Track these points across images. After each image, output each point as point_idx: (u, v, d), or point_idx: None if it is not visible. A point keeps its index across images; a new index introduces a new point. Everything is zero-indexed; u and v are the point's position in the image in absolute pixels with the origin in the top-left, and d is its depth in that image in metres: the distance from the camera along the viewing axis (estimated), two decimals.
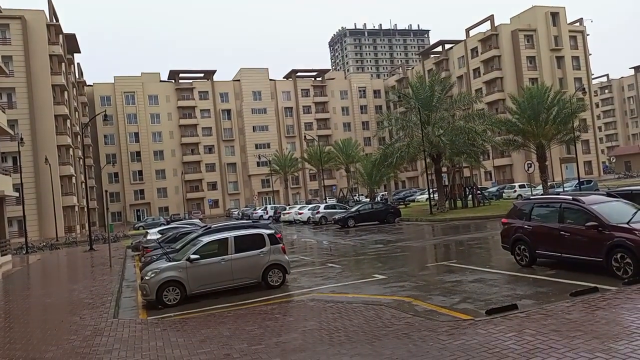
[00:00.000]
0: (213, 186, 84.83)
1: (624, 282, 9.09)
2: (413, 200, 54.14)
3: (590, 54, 76.76)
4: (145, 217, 70.99)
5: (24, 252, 32.24)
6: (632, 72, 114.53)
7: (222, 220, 53.96)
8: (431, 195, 36.36)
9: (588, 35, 76.77)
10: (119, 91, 79.65)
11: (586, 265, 10.54)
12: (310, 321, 8.59)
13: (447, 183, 37.46)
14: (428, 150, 33.91)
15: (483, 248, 17.65)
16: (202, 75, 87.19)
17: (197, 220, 32.17)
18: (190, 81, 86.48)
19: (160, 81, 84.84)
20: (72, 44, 61.87)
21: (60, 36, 55.89)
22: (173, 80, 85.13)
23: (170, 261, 12.42)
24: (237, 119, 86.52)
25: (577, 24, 76.72)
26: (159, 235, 21.61)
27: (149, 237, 22.63)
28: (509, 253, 12.74)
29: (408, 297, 10.10)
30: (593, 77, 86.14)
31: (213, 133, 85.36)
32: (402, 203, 48.94)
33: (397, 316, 8.33)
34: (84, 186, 56.34)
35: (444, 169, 37.55)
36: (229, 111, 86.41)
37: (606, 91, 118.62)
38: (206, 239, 12.98)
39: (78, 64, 70.97)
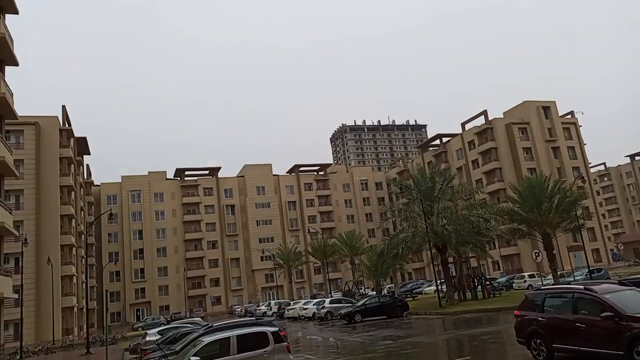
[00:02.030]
0: (216, 282, 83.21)
1: None
2: (421, 292, 52.64)
3: (585, 144, 78.92)
4: (145, 317, 68.70)
5: (18, 357, 30.84)
6: (628, 160, 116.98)
7: (225, 317, 52.14)
8: (439, 287, 35.45)
9: (580, 126, 79.53)
10: (126, 190, 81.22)
11: (606, 358, 9.98)
12: None
13: (454, 274, 36.69)
14: (433, 240, 33.69)
15: (498, 343, 16.83)
16: (207, 172, 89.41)
17: (199, 319, 31.09)
18: (196, 178, 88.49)
19: (167, 179, 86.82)
20: (82, 146, 64.28)
21: (72, 139, 58.20)
22: (179, 178, 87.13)
23: None
24: (241, 214, 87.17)
25: (569, 116, 79.84)
26: (159, 336, 20.84)
27: (147, 339, 21.80)
28: (525, 347, 12.14)
29: None
30: (590, 165, 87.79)
31: (217, 228, 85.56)
32: (409, 295, 47.58)
33: None
34: (84, 286, 55.35)
35: (451, 259, 37.00)
36: (232, 206, 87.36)
37: (605, 179, 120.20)
38: (207, 339, 12.47)
39: (87, 165, 73.21)
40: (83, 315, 54.11)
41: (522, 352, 12.53)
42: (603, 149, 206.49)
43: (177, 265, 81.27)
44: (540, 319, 11.67)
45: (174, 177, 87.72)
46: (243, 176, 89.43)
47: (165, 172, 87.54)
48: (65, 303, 49.59)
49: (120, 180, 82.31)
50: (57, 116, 54.65)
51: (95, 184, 79.83)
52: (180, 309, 74.84)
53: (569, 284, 15.46)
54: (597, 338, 10.08)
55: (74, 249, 54.69)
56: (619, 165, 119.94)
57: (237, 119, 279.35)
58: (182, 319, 50.96)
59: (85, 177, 71.34)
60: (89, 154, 68.34)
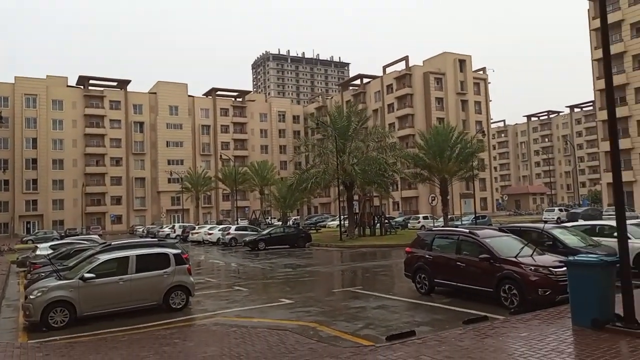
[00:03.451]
0: (117, 201, 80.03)
1: (511, 312, 9.84)
2: (324, 226, 54.88)
3: (491, 101, 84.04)
4: (36, 230, 64.97)
5: None
6: (525, 119, 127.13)
7: (125, 237, 50.91)
8: (342, 222, 37.15)
9: (489, 83, 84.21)
10: (19, 92, 73.15)
11: (479, 294, 11.27)
12: (212, 347, 8.29)
13: (357, 211, 38.51)
14: (342, 178, 34.78)
15: (388, 275, 18.26)
16: (115, 84, 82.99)
17: (96, 237, 29.99)
18: (102, 89, 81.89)
19: (68, 86, 79.37)
20: None
21: None
22: (82, 87, 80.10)
23: (60, 279, 11.43)
24: (150, 133, 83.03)
25: (481, 72, 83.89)
26: (51, 251, 19.88)
27: (38, 252, 20.74)
28: (411, 281, 13.30)
29: (313, 323, 10.12)
30: (492, 121, 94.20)
31: (122, 145, 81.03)
32: (313, 228, 49.40)
33: (301, 342, 8.30)
34: None
35: (356, 197, 38.68)
36: (141, 124, 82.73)
37: (502, 135, 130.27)
38: (104, 257, 12.16)
39: None
40: None
41: (407, 285, 13.74)
42: (505, 108, 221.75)
43: (74, 179, 76.56)
44: (427, 256, 12.78)
45: (77, 85, 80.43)
46: (155, 93, 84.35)
47: (66, 78, 79.86)
48: None
49: (13, 81, 73.77)
50: None
51: None
52: (76, 225, 71.46)
53: (457, 227, 16.97)
54: (473, 276, 11.30)
55: None
56: (516, 123, 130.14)
57: (150, 34, 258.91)
58: (77, 235, 48.85)
59: None
60: None
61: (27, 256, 23.01)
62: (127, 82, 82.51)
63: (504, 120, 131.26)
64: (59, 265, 14.91)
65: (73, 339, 9.58)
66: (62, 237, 41.91)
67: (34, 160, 73.68)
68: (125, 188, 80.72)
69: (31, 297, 10.77)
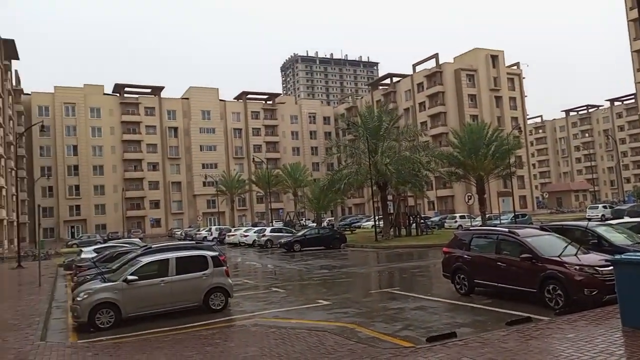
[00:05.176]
0: (156, 205, 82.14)
1: (556, 313, 9.55)
2: (359, 227, 54.65)
3: (526, 96, 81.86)
4: (80, 235, 67.33)
5: None
6: (563, 114, 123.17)
7: (164, 240, 52.18)
8: (376, 223, 36.91)
9: (524, 78, 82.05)
10: (59, 102, 76.19)
11: (520, 295, 10.99)
12: (252, 347, 8.40)
13: (392, 211, 38.20)
14: (375, 178, 34.60)
15: (425, 276, 18.04)
16: (149, 90, 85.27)
17: (137, 240, 30.90)
18: (137, 96, 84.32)
19: (104, 94, 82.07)
20: (10, 50, 58.69)
21: None
22: (118, 94, 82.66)
23: (105, 282, 11.84)
24: (184, 137, 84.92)
25: (515, 67, 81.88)
26: (95, 254, 20.58)
27: (83, 256, 21.50)
28: (450, 281, 13.10)
29: (351, 324, 10.10)
30: (528, 117, 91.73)
31: (158, 150, 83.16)
32: (348, 229, 49.27)
33: (340, 343, 8.31)
34: (15, 199, 52.94)
35: (390, 197, 38.37)
36: (175, 129, 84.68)
37: (540, 131, 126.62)
38: (145, 259, 12.50)
39: (16, 71, 67.38)
40: (13, 229, 52.17)
41: (446, 286, 13.54)
42: (543, 103, 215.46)
43: (115, 184, 79.05)
44: (465, 256, 12.56)
45: (113, 92, 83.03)
46: (188, 98, 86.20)
47: (102, 86, 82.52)
48: None
49: (52, 91, 76.84)
50: None
51: (25, 92, 74.06)
52: (117, 229, 73.75)
53: (495, 226, 16.63)
54: (515, 276, 11.03)
55: (3, 160, 51.56)
56: (554, 119, 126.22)
57: (183, 39, 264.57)
58: (119, 238, 50.40)
59: (14, 84, 65.89)
60: (17, 58, 62.67)
61: (72, 259, 23.89)
62: (161, 88, 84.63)
63: (541, 116, 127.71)
64: (103, 267, 15.42)
65: (119, 339, 9.89)
66: (105, 241, 43.30)
67: (76, 167, 76.57)
68: (163, 192, 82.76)
69: (78, 299, 11.18)
